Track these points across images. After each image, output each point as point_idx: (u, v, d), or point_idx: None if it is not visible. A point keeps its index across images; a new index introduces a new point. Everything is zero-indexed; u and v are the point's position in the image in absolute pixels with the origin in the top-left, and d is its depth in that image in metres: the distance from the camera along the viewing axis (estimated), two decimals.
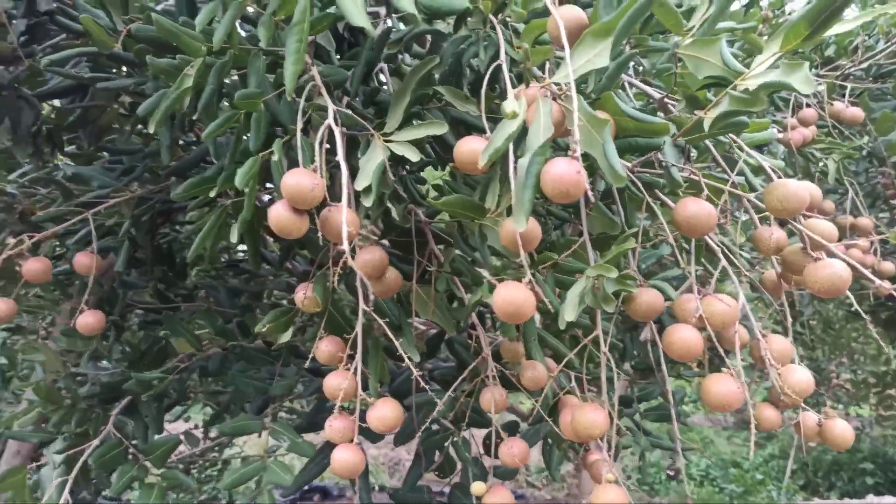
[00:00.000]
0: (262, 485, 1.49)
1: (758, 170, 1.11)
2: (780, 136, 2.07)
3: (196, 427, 3.97)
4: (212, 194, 1.08)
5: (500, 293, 0.86)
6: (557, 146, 1.13)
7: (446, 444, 1.56)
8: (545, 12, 0.92)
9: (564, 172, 0.76)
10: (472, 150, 0.90)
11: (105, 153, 1.66)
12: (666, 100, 1.16)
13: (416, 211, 1.36)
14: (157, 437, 1.83)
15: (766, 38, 2.09)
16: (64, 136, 1.68)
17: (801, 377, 0.90)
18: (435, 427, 1.57)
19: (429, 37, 1.39)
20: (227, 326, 1.65)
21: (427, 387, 1.17)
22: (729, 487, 8.63)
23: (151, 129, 0.98)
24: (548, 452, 1.71)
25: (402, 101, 1.00)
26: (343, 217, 0.87)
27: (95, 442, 1.78)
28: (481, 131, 1.19)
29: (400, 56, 1.30)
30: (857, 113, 2.06)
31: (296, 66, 0.86)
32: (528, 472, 10.34)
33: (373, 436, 1.22)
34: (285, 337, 1.27)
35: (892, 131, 2.33)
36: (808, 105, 2.08)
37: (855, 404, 7.61)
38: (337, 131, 0.88)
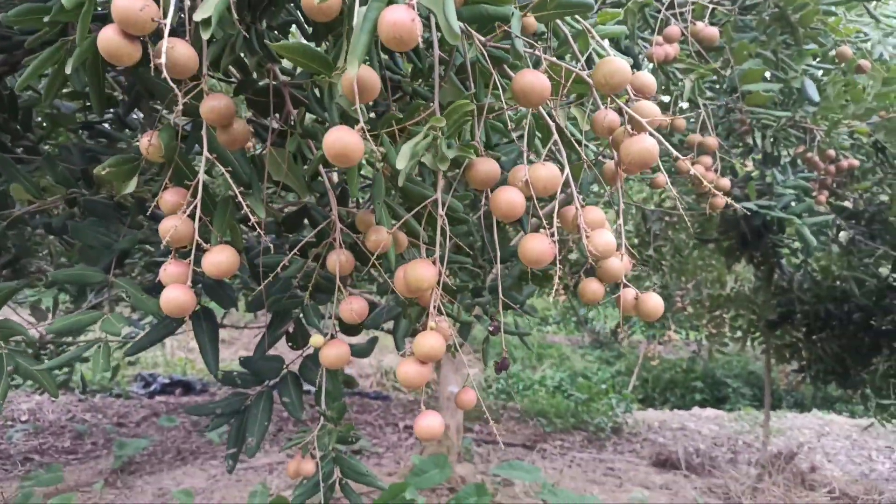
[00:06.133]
0: (102, 349, 1.46)
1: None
2: (646, 51, 2.16)
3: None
4: (45, 19, 1.01)
5: (330, 134, 0.88)
6: None
7: (296, 310, 1.59)
8: None
9: (400, 19, 0.78)
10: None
11: None
12: None
13: (275, 71, 1.34)
14: None
15: None
16: None
17: (607, 239, 0.99)
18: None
19: None
20: (69, 177, 1.57)
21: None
22: (576, 395, 9.37)
23: None
24: (395, 326, 1.79)
25: None
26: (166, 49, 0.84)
27: None
28: None
29: None
30: (713, 32, 2.18)
31: None
32: (394, 378, 10.68)
33: None
34: (130, 187, 1.23)
35: (746, 61, 2.50)
36: (673, 23, 2.17)
37: (693, 328, 8.34)
38: None
